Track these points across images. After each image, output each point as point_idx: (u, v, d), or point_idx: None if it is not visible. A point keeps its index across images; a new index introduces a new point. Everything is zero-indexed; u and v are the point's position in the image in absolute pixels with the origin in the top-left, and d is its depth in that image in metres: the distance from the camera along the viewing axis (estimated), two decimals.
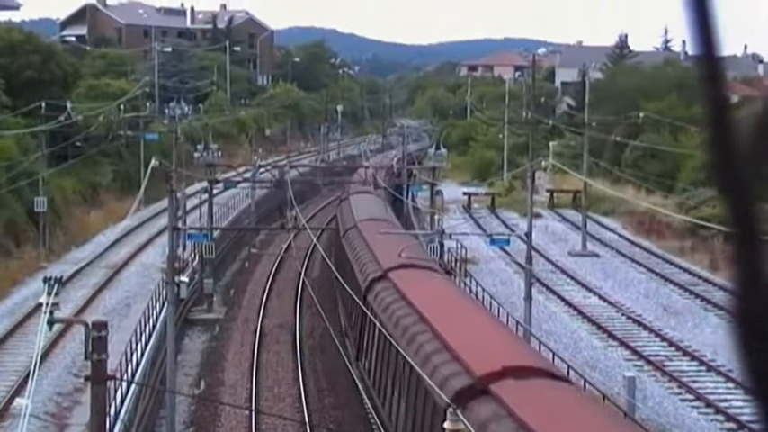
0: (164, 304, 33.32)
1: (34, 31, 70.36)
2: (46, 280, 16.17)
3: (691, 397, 29.72)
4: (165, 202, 42.88)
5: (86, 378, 15.08)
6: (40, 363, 22.52)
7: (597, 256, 52.43)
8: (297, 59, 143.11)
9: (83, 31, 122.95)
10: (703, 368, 32.66)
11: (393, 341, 21.03)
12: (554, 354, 29.81)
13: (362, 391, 26.21)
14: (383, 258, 29.12)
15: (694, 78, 1.32)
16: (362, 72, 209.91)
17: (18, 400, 26.31)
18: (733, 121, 1.30)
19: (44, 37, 74.47)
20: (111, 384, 20.00)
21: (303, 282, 46.13)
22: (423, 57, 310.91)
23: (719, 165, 1.30)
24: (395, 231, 36.79)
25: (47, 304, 15.72)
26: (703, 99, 1.33)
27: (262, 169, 55.96)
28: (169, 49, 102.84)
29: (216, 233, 46.42)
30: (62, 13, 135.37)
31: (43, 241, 48.44)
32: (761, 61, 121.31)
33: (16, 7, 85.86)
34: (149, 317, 34.21)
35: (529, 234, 34.62)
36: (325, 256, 41.16)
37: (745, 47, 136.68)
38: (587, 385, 25.93)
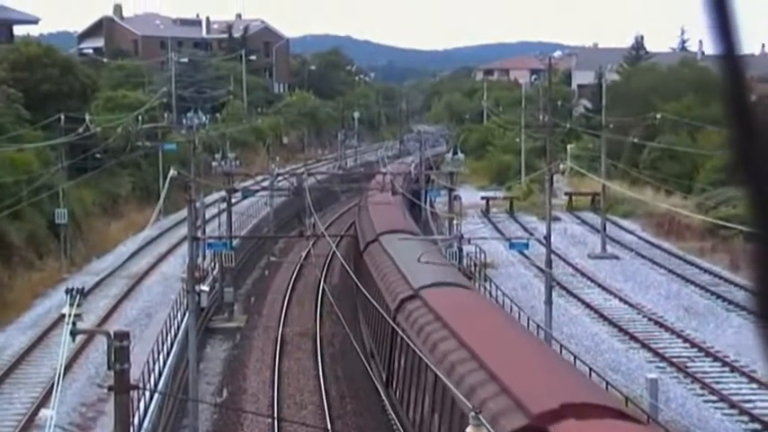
0: (185, 314, 33.45)
1: (52, 45, 70.86)
2: (68, 291, 16.25)
3: (714, 398, 29.55)
4: (184, 212, 43.05)
5: (110, 388, 15.16)
6: (64, 374, 22.62)
7: (617, 258, 52.24)
8: (313, 67, 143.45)
9: (100, 43, 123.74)
10: (726, 369, 32.46)
11: None
12: (575, 357, 29.72)
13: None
14: (524, 394, 15.80)
15: (716, 78, 1.34)
16: (378, 78, 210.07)
17: (43, 412, 26.42)
18: (755, 118, 1.32)
19: (62, 50, 74.97)
20: (134, 394, 20.11)
21: (323, 289, 46.20)
22: (438, 62, 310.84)
23: (742, 162, 1.32)
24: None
25: (69, 315, 15.79)
26: (725, 98, 1.35)
27: (279, 177, 56.08)
28: (185, 60, 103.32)
29: (235, 242, 46.53)
30: (80, 26, 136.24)
31: (65, 253, 48.73)
32: None
33: (35, 21, 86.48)
34: (171, 326, 34.35)
35: (548, 237, 34.54)
36: (345, 264, 40.98)
37: (763, 46, 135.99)
38: (609, 388, 25.81)
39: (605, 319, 39.27)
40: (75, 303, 15.91)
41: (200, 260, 38.63)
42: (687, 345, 35.45)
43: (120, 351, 14.65)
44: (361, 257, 37.06)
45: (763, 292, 1.41)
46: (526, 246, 39.26)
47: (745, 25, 1.36)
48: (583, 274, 48.01)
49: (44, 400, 27.27)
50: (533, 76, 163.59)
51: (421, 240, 36.48)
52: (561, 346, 31.27)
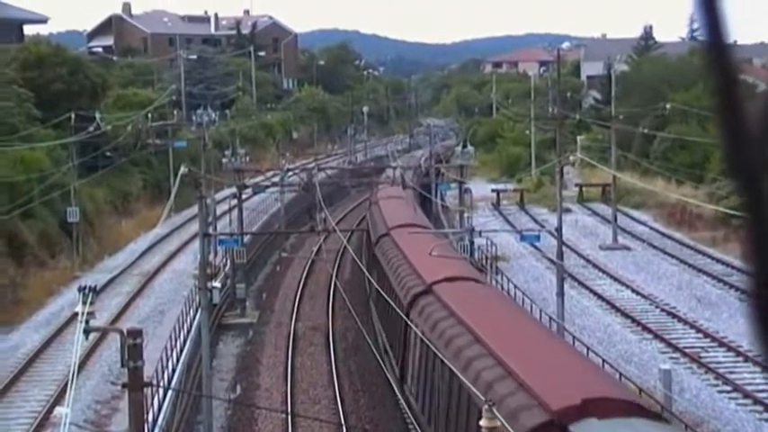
0: (197, 310, 33.49)
1: (62, 44, 71.00)
2: (81, 289, 16.32)
3: (728, 388, 29.48)
4: (195, 209, 43.14)
5: (124, 385, 15.23)
6: (78, 372, 22.73)
7: (629, 249, 52.12)
8: (321, 62, 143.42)
9: (109, 41, 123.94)
10: (740, 359, 32.37)
11: None
12: (588, 348, 29.69)
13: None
14: None
15: (704, 66, 1.35)
16: (386, 72, 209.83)
17: (58, 409, 26.59)
18: (744, 106, 1.33)
19: (71, 49, 75.14)
20: (148, 391, 20.18)
21: (335, 284, 46.23)
22: (446, 55, 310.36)
23: (731, 150, 1.33)
24: None
25: (82, 313, 15.87)
26: (713, 85, 1.36)
27: (290, 173, 56.12)
28: (194, 57, 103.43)
29: (246, 238, 46.60)
30: (89, 25, 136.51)
31: (77, 251, 48.89)
32: None
33: (44, 21, 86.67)
34: (183, 323, 34.45)
35: (559, 229, 34.49)
36: (356, 258, 41.24)
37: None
38: (623, 379, 25.78)
39: (617, 310, 39.20)
40: (88, 301, 15.98)
41: (211, 257, 38.71)
42: (700, 335, 35.37)
43: (133, 348, 14.72)
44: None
45: (756, 276, 1.43)
46: (537, 238, 39.20)
47: (735, 13, 1.37)
48: (594, 266, 47.93)
49: (59, 398, 27.41)
50: (542, 68, 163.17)
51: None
52: (574, 337, 31.24)
